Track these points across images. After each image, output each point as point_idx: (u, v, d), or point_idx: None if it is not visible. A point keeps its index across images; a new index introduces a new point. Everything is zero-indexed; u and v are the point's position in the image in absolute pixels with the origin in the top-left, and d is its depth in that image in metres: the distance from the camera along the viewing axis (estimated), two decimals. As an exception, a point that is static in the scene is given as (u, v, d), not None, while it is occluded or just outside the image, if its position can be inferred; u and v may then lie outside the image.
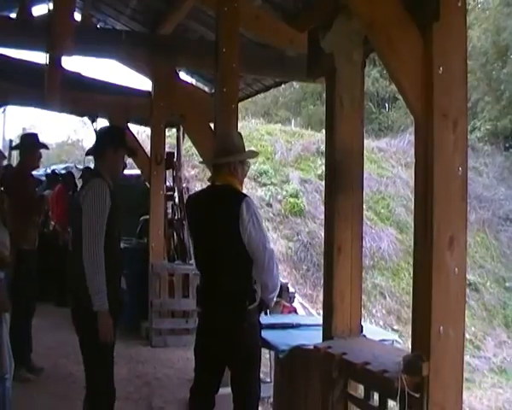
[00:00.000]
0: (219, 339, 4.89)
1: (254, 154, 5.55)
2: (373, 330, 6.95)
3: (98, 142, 5.34)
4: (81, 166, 15.82)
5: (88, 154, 5.64)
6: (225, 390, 5.16)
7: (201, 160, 5.90)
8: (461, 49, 3.76)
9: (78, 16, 10.58)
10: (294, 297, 12.38)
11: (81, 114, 14.19)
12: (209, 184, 5.35)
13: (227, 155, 5.05)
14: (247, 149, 5.35)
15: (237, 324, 4.82)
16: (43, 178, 14.87)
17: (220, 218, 4.92)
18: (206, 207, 5.10)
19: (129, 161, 10.70)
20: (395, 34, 3.72)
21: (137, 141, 12.15)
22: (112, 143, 5.20)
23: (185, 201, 5.27)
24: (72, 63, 21.27)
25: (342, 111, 4.86)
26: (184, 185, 12.64)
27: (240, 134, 5.37)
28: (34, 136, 8.56)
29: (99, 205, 4.87)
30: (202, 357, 5.11)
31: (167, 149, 12.33)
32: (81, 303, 4.86)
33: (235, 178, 5.08)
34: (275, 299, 5.14)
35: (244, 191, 5.16)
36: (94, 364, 5.00)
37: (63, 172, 15.34)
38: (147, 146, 11.76)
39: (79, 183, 10.00)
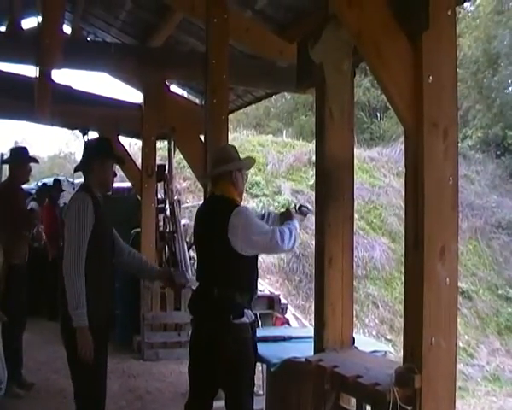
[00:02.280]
0: (205, 352, 4.87)
1: (252, 161, 5.52)
2: (365, 341, 6.94)
3: (85, 156, 5.30)
4: (72, 180, 15.77)
5: (76, 170, 5.59)
6: (220, 404, 5.13)
7: (196, 176, 5.86)
8: (451, 57, 3.75)
9: (67, 29, 10.59)
10: (287, 309, 12.35)
11: (72, 128, 14.17)
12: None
13: (225, 164, 5.05)
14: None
15: (221, 337, 4.78)
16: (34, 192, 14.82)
17: (211, 229, 4.93)
18: (202, 219, 5.18)
19: (120, 173, 10.66)
20: (384, 44, 3.71)
21: (128, 153, 12.11)
22: (98, 155, 5.16)
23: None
24: (63, 76, 21.27)
25: (332, 121, 4.84)
26: (176, 198, 12.57)
27: (234, 147, 5.37)
28: (24, 150, 8.52)
29: (80, 220, 4.82)
30: (193, 370, 5.09)
31: (158, 162, 12.30)
32: (65, 318, 4.82)
33: (234, 187, 5.07)
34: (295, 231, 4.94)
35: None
36: (79, 378, 4.95)
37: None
38: (138, 158, 11.73)
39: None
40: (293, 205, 5.52)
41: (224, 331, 4.77)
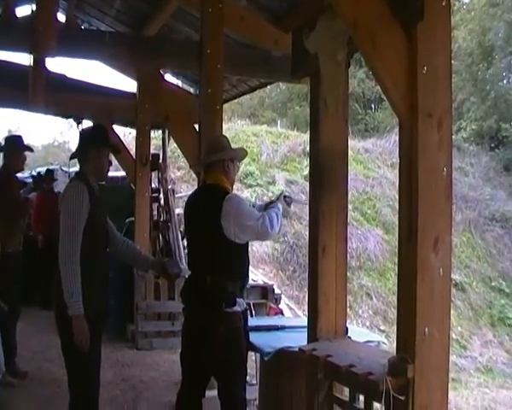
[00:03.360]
0: (197, 340, 4.90)
1: (244, 152, 5.54)
2: (358, 331, 6.94)
3: (81, 144, 5.27)
4: (66, 169, 15.75)
5: (72, 157, 5.57)
6: (213, 393, 5.13)
7: (190, 165, 5.87)
8: (445, 48, 3.74)
9: (62, 17, 10.55)
10: (280, 298, 12.37)
11: (66, 116, 14.08)
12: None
13: (218, 153, 5.07)
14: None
15: (212, 326, 4.80)
16: (29, 181, 14.79)
17: (203, 216, 4.95)
18: (194, 207, 5.20)
19: (114, 162, 10.65)
20: (379, 34, 3.70)
21: (122, 142, 12.09)
22: (94, 144, 5.14)
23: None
24: (57, 65, 21.21)
25: (326, 112, 4.85)
26: (170, 187, 12.55)
27: (227, 137, 5.40)
28: (18, 138, 8.50)
29: (75, 208, 4.81)
30: (185, 359, 5.11)
31: (153, 151, 12.29)
32: (60, 307, 4.81)
33: (226, 176, 5.10)
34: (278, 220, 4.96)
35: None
36: (74, 367, 4.95)
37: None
38: (132, 147, 11.71)
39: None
40: (276, 195, 5.54)
41: (217, 320, 4.78)
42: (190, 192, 5.78)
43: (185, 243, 5.27)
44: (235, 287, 4.90)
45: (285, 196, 5.42)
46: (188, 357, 5.06)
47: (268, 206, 5.25)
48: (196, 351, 4.93)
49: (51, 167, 16.59)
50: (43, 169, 16.77)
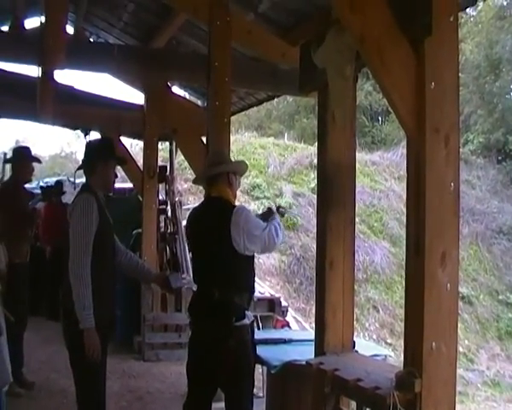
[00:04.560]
0: (206, 354, 4.88)
1: (245, 166, 5.58)
2: (365, 344, 6.94)
3: (88, 156, 5.30)
4: (73, 180, 15.78)
5: (79, 168, 5.60)
6: (219, 405, 5.14)
7: (194, 178, 5.86)
8: (453, 64, 3.75)
9: (70, 29, 10.60)
10: (287, 311, 12.36)
11: (74, 128, 14.16)
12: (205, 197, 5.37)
13: (222, 164, 5.14)
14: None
15: (223, 340, 4.78)
16: (37, 191, 14.82)
17: (212, 229, 4.96)
18: (201, 220, 5.18)
19: (122, 174, 10.67)
20: (387, 49, 3.71)
21: (130, 154, 12.13)
22: (101, 157, 5.16)
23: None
24: (65, 76, 21.26)
25: (334, 126, 4.86)
26: (177, 199, 12.56)
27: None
28: (26, 149, 8.55)
29: (85, 221, 4.82)
30: (193, 371, 5.09)
31: (160, 163, 12.31)
32: (69, 319, 4.82)
33: (231, 189, 5.14)
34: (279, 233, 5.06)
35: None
36: (83, 380, 4.96)
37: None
38: (139, 159, 11.74)
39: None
40: (271, 206, 5.62)
41: (227, 334, 4.78)
42: (197, 204, 5.77)
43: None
44: (243, 300, 4.92)
45: (279, 207, 5.50)
46: (196, 370, 5.03)
47: (264, 214, 5.32)
48: (205, 364, 4.92)
49: (60, 179, 16.63)
50: (50, 180, 16.82)
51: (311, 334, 5.70)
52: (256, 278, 5.50)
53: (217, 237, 4.89)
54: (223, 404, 5.04)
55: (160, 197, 12.27)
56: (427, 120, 3.64)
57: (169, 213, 12.17)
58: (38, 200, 13.48)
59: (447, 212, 3.70)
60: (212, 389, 5.11)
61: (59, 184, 14.07)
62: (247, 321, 4.91)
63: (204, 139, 7.90)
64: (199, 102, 12.81)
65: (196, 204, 6.42)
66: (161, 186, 12.33)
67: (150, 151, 11.12)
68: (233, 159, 5.63)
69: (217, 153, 5.72)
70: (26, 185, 8.83)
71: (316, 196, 5.46)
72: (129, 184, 13.20)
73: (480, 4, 29.43)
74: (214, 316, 4.87)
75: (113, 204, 6.77)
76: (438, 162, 3.66)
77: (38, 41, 8.09)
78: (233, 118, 10.31)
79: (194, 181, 5.95)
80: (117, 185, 5.96)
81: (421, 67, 3.67)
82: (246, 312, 4.91)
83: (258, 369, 6.44)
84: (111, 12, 10.74)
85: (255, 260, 5.24)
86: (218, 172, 5.09)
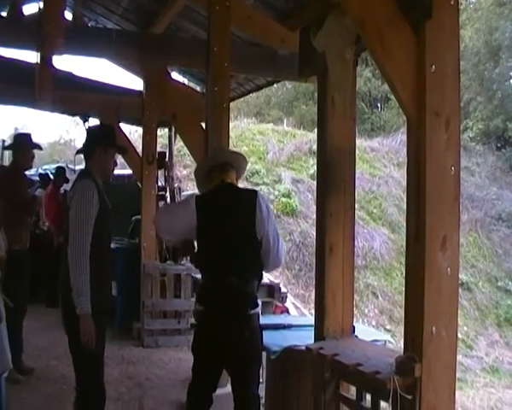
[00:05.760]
0: (219, 342, 4.80)
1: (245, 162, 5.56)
2: (365, 330, 6.93)
3: (88, 142, 5.29)
4: (73, 166, 15.73)
5: (78, 152, 5.56)
6: (224, 390, 5.13)
7: (197, 185, 5.56)
8: (454, 47, 3.73)
9: (69, 15, 10.54)
10: (286, 297, 12.34)
11: (72, 114, 14.13)
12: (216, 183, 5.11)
13: (231, 154, 5.24)
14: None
15: (238, 332, 4.76)
16: (36, 179, 14.79)
17: (236, 212, 4.92)
18: (220, 206, 4.97)
19: (121, 160, 10.65)
20: (387, 32, 3.69)
21: (129, 140, 12.10)
22: (101, 143, 5.15)
23: (195, 200, 5.04)
24: (64, 62, 21.21)
25: (334, 110, 4.84)
26: (176, 185, 12.58)
27: None
28: (27, 136, 8.55)
29: (85, 207, 4.81)
30: (201, 357, 4.99)
31: (159, 149, 12.31)
32: (67, 305, 4.81)
33: (237, 181, 5.15)
34: None
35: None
36: (82, 365, 4.96)
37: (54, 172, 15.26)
38: (138, 146, 11.73)
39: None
40: None
41: (243, 326, 4.77)
42: (196, 190, 5.62)
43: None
44: (255, 287, 4.90)
45: None
46: (205, 357, 4.94)
47: None
48: (217, 353, 4.86)
49: (60, 165, 16.57)
50: (49, 167, 16.77)
51: (310, 319, 5.70)
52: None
53: (238, 222, 4.86)
54: (226, 389, 5.03)
55: (159, 183, 12.25)
56: (427, 104, 3.62)
57: (168, 200, 12.16)
58: (37, 187, 13.48)
59: (448, 196, 3.69)
60: (219, 373, 5.07)
61: (61, 169, 14.00)
62: (258, 309, 4.91)
63: (203, 125, 7.87)
64: (198, 88, 12.78)
65: (195, 190, 6.29)
66: (160, 172, 12.32)
67: (149, 137, 11.12)
68: (232, 146, 5.62)
69: (222, 147, 5.70)
70: (26, 172, 8.82)
71: (315, 182, 5.43)
72: (128, 171, 13.18)
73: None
74: (232, 307, 4.78)
75: (113, 190, 6.74)
76: (438, 146, 3.65)
77: (37, 27, 8.05)
78: (232, 104, 10.30)
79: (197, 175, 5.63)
80: (116, 172, 5.92)
81: (422, 51, 3.65)
82: (258, 300, 4.91)
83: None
84: (109, -3, 10.71)
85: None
86: (229, 160, 5.10)
